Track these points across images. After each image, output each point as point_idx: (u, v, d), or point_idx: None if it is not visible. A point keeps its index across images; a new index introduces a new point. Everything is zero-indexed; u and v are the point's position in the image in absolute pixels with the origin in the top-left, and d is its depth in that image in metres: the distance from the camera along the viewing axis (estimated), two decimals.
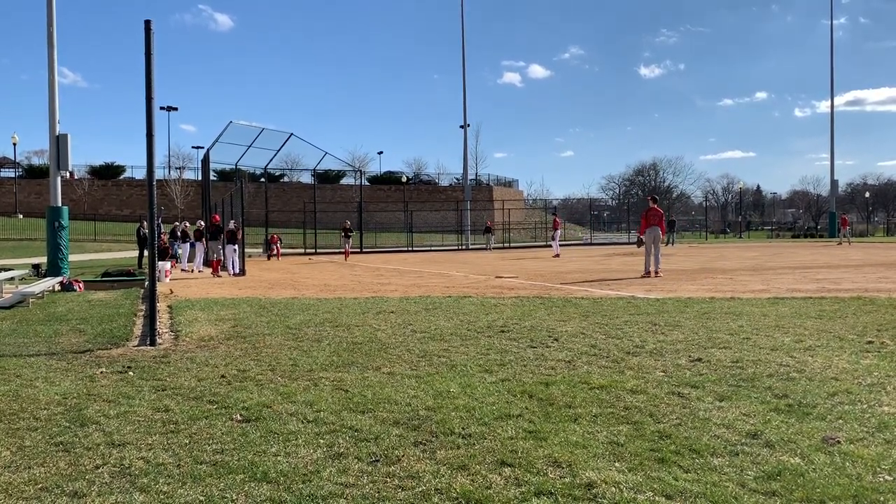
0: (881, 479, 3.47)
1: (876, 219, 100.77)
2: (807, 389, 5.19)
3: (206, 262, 22.02)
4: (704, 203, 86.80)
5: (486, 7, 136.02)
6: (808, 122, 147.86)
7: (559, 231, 33.04)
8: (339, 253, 36.23)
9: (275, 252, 31.94)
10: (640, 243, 17.67)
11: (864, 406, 4.75)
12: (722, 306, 10.08)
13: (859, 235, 62.63)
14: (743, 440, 4.08)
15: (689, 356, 6.51)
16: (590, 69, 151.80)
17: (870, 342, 7.02)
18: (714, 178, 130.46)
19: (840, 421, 4.43)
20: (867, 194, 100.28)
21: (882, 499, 3.24)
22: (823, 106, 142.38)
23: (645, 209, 17.93)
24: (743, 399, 4.97)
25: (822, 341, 7.13)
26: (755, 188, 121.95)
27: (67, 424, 4.61)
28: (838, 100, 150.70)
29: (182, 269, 22.65)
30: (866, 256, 25.30)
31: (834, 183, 66.13)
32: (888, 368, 5.84)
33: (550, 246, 32.20)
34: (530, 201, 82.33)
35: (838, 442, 4.01)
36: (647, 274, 16.56)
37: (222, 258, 21.55)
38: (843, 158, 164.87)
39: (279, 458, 3.90)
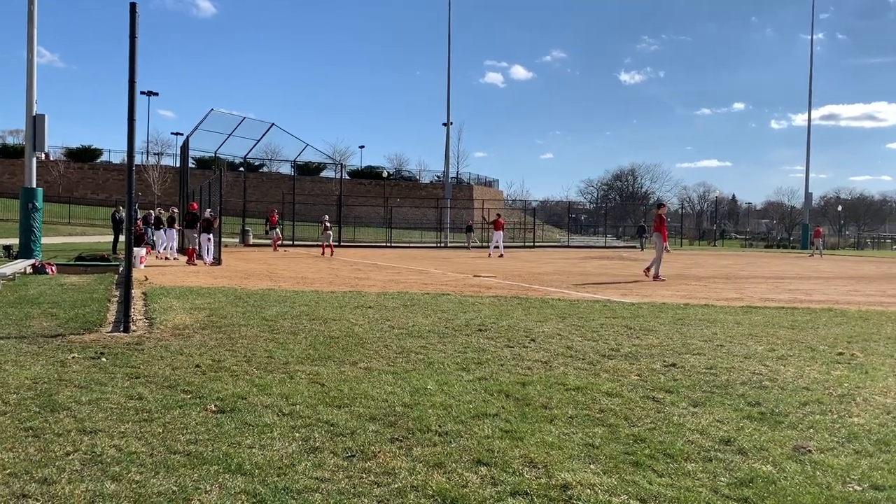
0: (850, 489, 3.53)
1: (847, 232, 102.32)
2: (779, 398, 5.26)
3: (182, 250, 21.81)
4: (680, 210, 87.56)
5: (469, 6, 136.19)
6: (785, 134, 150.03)
7: (501, 233, 32.51)
8: (318, 246, 36.09)
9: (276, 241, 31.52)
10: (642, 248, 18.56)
11: (835, 416, 4.83)
12: (696, 313, 10.18)
13: (831, 248, 63.57)
14: (716, 446, 4.13)
15: (664, 361, 6.57)
16: (571, 73, 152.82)
17: (840, 353, 7.13)
18: (691, 185, 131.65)
19: (811, 430, 4.49)
20: (839, 208, 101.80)
21: None
22: (799, 119, 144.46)
23: (655, 216, 18.68)
24: (716, 405, 5.02)
25: (794, 351, 7.23)
26: (731, 197, 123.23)
27: (38, 410, 4.54)
28: (813, 114, 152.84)
29: (156, 256, 22.42)
30: (837, 269, 25.70)
31: (808, 195, 67.04)
32: (858, 380, 5.94)
33: (497, 247, 31.70)
34: (510, 202, 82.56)
35: (809, 451, 4.06)
36: (656, 277, 16.95)
37: (197, 247, 21.36)
38: (816, 172, 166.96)
39: (254, 450, 3.87)
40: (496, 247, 31.94)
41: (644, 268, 17.60)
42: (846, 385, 5.74)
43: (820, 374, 6.17)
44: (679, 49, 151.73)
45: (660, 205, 18.99)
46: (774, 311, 10.60)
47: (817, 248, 42.44)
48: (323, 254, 28.44)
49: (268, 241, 33.24)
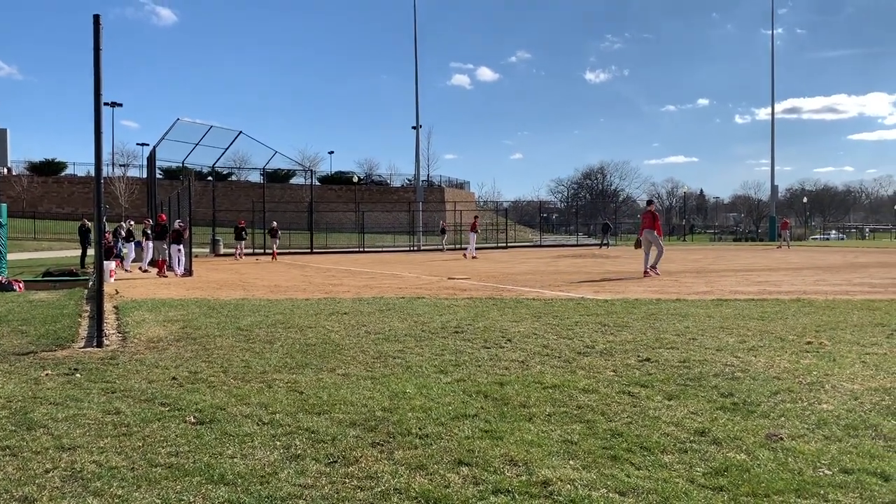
0: (821, 474, 3.63)
1: (813, 223, 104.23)
2: (751, 388, 5.38)
3: (152, 262, 21.57)
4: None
5: (433, 9, 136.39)
6: (749, 128, 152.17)
7: (475, 234, 32.69)
8: (289, 254, 35.91)
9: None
10: (637, 245, 18.62)
11: (805, 404, 4.95)
12: (668, 307, 10.33)
13: (798, 239, 64.68)
14: (691, 438, 4.22)
15: (638, 356, 6.68)
16: (537, 73, 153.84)
17: (809, 343, 7.30)
18: (659, 182, 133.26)
19: (782, 418, 4.61)
20: (805, 199, 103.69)
21: (822, 492, 3.39)
22: (762, 113, 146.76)
23: (643, 212, 18.96)
24: (690, 398, 5.13)
25: (764, 342, 7.39)
26: (699, 192, 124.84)
27: (14, 428, 4.50)
28: (776, 108, 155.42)
29: (125, 270, 22.14)
30: (804, 260, 26.19)
31: (774, 188, 68.18)
32: (826, 368, 6.09)
33: (466, 248, 31.72)
34: (482, 203, 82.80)
35: (781, 438, 4.17)
36: (645, 273, 17.21)
37: (167, 258, 21.13)
38: (781, 164, 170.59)
39: (236, 459, 3.88)
40: (470, 248, 31.95)
41: (647, 268, 17.39)
42: (815, 373, 5.88)
43: (789, 363, 6.31)
44: (642, 47, 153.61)
45: (650, 202, 19.39)
46: (744, 304, 10.80)
47: (784, 240, 43.17)
48: (274, 258, 29.90)
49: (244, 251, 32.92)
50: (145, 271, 21.70)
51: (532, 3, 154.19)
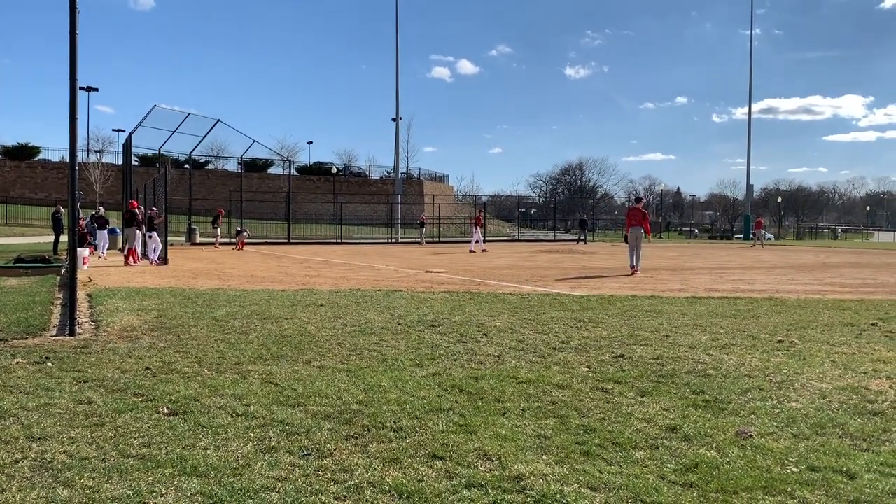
0: (789, 471, 3.70)
1: (787, 222, 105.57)
2: (722, 386, 5.46)
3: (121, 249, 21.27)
4: (627, 203, 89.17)
5: (414, 0, 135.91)
6: (726, 127, 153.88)
7: (478, 228, 32.92)
8: (266, 244, 35.69)
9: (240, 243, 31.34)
10: (625, 241, 18.23)
11: (775, 402, 5.03)
12: (643, 304, 10.43)
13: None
14: (663, 434, 4.27)
15: (613, 352, 6.73)
16: (517, 67, 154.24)
17: (780, 341, 7.41)
18: (637, 179, 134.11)
19: (752, 416, 4.68)
20: (779, 199, 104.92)
21: (789, 489, 3.45)
22: (739, 112, 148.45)
23: (629, 208, 18.56)
24: (663, 395, 5.18)
25: (736, 340, 7.48)
26: (675, 190, 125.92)
27: None
28: (753, 107, 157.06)
29: (99, 257, 21.86)
30: (778, 259, 26.53)
31: (749, 187, 68.85)
32: (796, 366, 6.19)
33: (478, 241, 31.87)
34: (460, 196, 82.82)
35: (750, 436, 4.24)
36: (632, 271, 16.90)
37: (139, 246, 20.86)
38: (757, 164, 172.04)
39: (209, 451, 3.86)
40: (477, 241, 31.84)
41: (636, 266, 17.10)
42: (785, 371, 5.98)
43: (761, 361, 6.40)
44: (622, 44, 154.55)
45: (638, 199, 19.23)
46: (718, 302, 10.92)
47: (759, 238, 43.70)
48: (239, 248, 30.69)
49: (223, 240, 32.73)
50: (104, 258, 21.38)
51: None
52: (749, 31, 66.22)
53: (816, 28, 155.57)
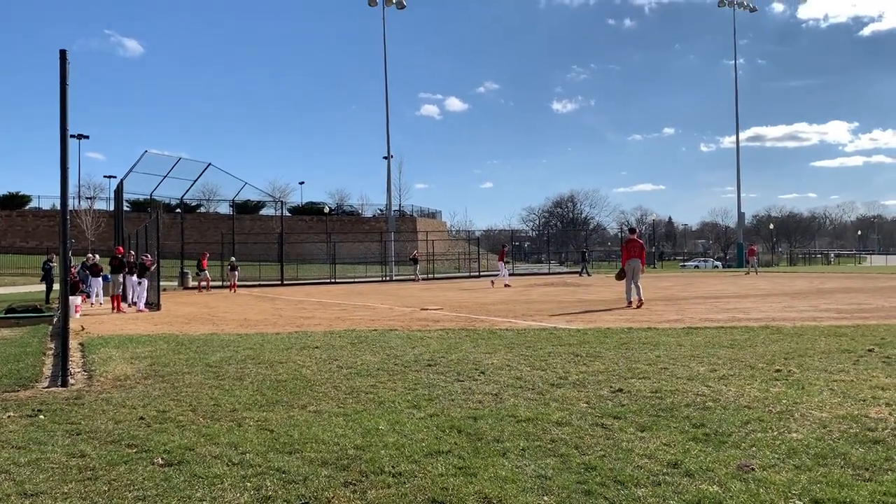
0: None
1: (780, 249, 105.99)
2: (722, 418, 5.42)
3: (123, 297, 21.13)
4: (619, 234, 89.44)
5: (402, 40, 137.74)
6: (714, 156, 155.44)
7: (503, 262, 33.60)
8: (259, 286, 35.58)
9: (199, 283, 31.36)
10: (620, 275, 17.41)
11: (775, 433, 4.99)
12: (640, 336, 10.40)
13: (765, 265, 65.60)
14: (664, 470, 4.22)
15: (611, 387, 6.69)
16: (505, 103, 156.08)
17: (778, 370, 7.38)
18: (628, 209, 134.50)
19: (753, 448, 4.64)
20: (771, 226, 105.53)
21: None
22: (727, 141, 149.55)
23: (625, 241, 18.11)
24: (663, 429, 5.14)
25: (734, 370, 7.45)
26: (667, 220, 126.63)
27: None
28: (740, 136, 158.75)
29: (91, 304, 21.73)
30: (772, 286, 26.57)
31: (741, 215, 69.36)
32: (795, 396, 6.16)
33: (495, 277, 32.68)
34: (454, 232, 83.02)
35: (752, 469, 4.20)
36: (628, 304, 16.64)
37: (127, 292, 20.75)
38: (747, 191, 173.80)
39: (205, 502, 3.80)
40: (502, 276, 32.60)
41: (640, 297, 16.78)
42: (784, 402, 5.94)
43: (760, 391, 6.37)
44: (608, 77, 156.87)
45: (632, 230, 19.02)
46: (714, 331, 10.90)
47: (752, 266, 43.80)
48: (232, 290, 31.17)
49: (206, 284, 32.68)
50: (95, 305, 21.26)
51: (498, 35, 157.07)
52: (733, 62, 67.20)
53: (798, 57, 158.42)
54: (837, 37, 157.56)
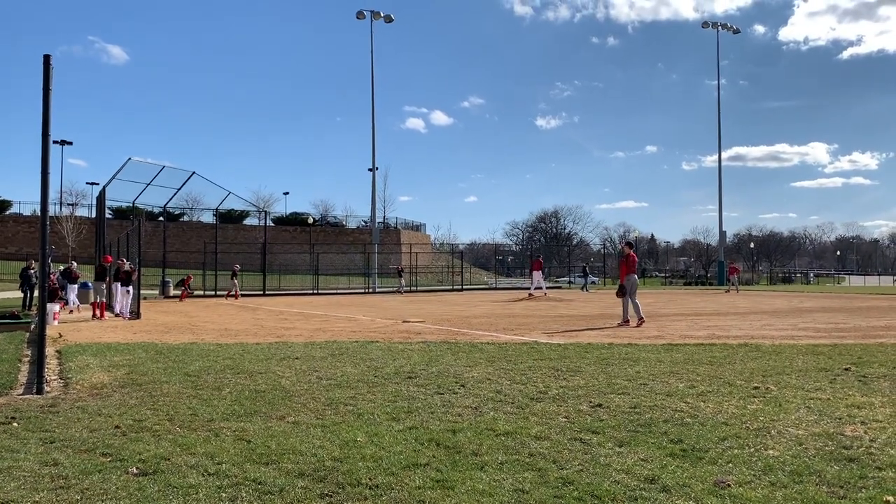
0: None
1: (760, 268, 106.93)
2: (699, 434, 5.44)
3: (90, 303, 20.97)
4: (602, 250, 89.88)
5: (388, 53, 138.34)
6: (696, 175, 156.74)
7: (539, 272, 33.76)
8: (242, 296, 35.37)
9: (183, 293, 31.37)
10: (621, 292, 16.06)
11: (752, 450, 5.02)
12: (620, 352, 10.43)
13: (746, 284, 66.13)
14: (641, 485, 4.23)
15: (590, 402, 6.71)
16: (490, 118, 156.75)
17: (756, 388, 7.43)
18: (611, 226, 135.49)
19: (730, 464, 4.66)
20: (752, 244, 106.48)
21: None
22: (708, 160, 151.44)
23: (624, 255, 17.01)
24: (641, 444, 5.16)
25: (713, 387, 7.49)
26: (650, 237, 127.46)
27: None
28: (722, 155, 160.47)
29: (70, 311, 21.52)
30: (752, 304, 26.78)
31: (722, 234, 69.80)
32: (772, 413, 6.20)
33: (539, 287, 33.22)
34: (437, 245, 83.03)
35: (728, 485, 4.21)
36: (625, 322, 15.75)
37: (110, 300, 20.58)
38: (728, 210, 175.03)
39: None
40: (538, 287, 32.98)
41: (630, 320, 15.79)
42: (762, 419, 5.98)
43: (737, 408, 6.41)
44: (591, 95, 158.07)
45: (628, 244, 18.19)
46: (694, 348, 10.96)
47: (733, 284, 44.14)
48: (236, 298, 31.85)
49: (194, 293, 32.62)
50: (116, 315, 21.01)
51: (484, 50, 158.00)
52: (715, 81, 68.06)
53: (779, 79, 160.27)
54: (817, 59, 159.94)
